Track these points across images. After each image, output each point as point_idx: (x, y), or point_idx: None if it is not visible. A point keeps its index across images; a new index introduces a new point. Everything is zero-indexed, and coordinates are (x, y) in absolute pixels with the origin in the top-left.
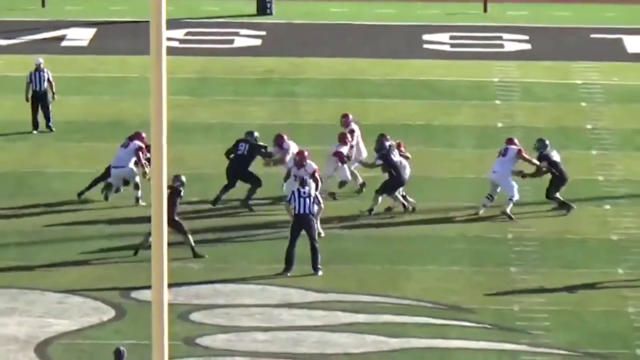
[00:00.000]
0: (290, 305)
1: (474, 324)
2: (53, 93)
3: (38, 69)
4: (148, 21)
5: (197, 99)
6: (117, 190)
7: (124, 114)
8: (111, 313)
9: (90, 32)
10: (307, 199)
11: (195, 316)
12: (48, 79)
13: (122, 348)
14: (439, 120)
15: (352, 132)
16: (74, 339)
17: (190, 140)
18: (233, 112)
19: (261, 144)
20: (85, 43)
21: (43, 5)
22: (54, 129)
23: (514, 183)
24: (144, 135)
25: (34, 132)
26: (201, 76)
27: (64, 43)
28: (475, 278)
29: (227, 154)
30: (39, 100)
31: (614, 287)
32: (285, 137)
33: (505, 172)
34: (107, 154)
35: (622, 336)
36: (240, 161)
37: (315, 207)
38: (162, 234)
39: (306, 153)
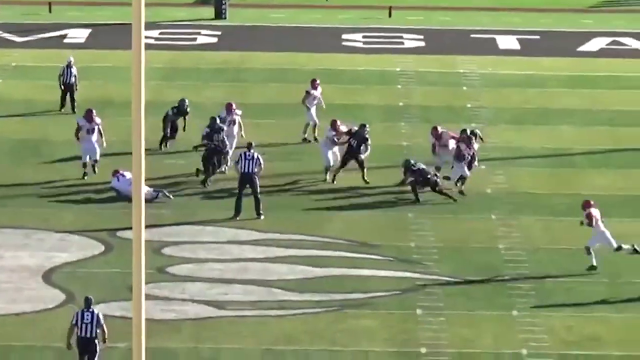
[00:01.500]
0: (239, 242)
1: (380, 257)
2: (76, 84)
3: (69, 65)
4: (131, 23)
5: (168, 83)
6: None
7: (113, 95)
8: (101, 248)
9: (86, 32)
10: (251, 161)
11: (166, 250)
12: (75, 74)
13: (90, 296)
14: (354, 100)
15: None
16: (72, 268)
17: (162, 114)
18: (195, 93)
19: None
20: (82, 40)
21: (50, 12)
22: (76, 111)
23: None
24: None
25: (61, 110)
26: (171, 66)
27: (65, 40)
28: (380, 221)
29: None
30: (68, 88)
31: (488, 229)
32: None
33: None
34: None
35: (494, 266)
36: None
37: (256, 168)
38: (140, 187)
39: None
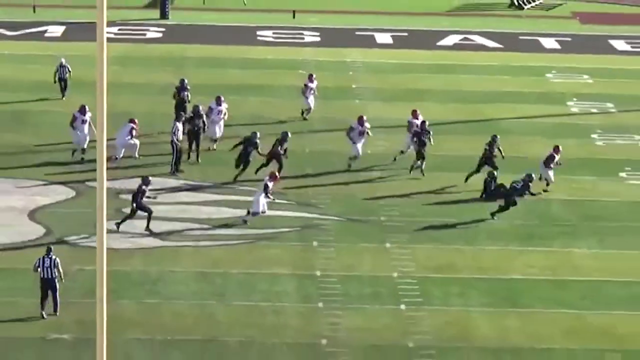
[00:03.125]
0: (180, 190)
1: (285, 201)
2: (69, 79)
3: (62, 65)
4: (95, 22)
5: (124, 69)
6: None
7: (82, 78)
8: (73, 194)
9: (62, 28)
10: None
11: (122, 196)
12: (69, 70)
13: (51, 246)
14: (268, 82)
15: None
16: (51, 208)
17: (120, 94)
18: (144, 76)
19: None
20: (59, 34)
21: (34, 12)
22: (64, 98)
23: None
24: None
25: (62, 98)
26: (126, 55)
27: (46, 34)
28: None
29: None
30: (63, 81)
31: (370, 181)
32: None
33: None
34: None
35: (374, 210)
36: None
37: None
38: (102, 147)
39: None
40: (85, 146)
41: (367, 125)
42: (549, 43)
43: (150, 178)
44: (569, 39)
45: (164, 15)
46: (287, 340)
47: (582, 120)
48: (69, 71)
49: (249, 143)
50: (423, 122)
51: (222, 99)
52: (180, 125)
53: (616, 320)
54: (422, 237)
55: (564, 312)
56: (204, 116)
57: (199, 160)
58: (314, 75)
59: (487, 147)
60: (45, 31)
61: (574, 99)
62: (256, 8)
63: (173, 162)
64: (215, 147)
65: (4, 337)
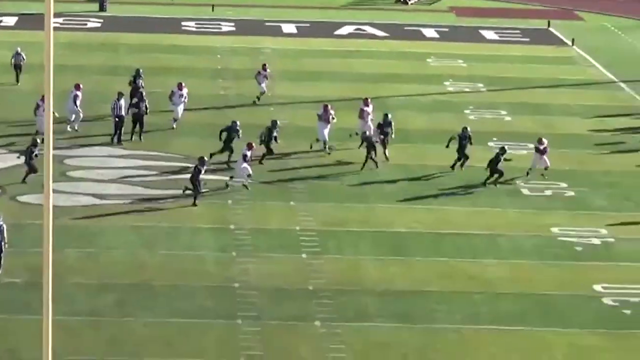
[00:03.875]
0: (116, 157)
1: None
2: (23, 65)
3: (18, 53)
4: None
5: (69, 52)
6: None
7: (31, 60)
8: (23, 160)
9: (15, 19)
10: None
11: (66, 161)
12: (23, 58)
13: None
14: (189, 65)
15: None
16: (5, 172)
17: (66, 74)
18: (86, 60)
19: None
20: (12, 24)
21: None
22: (19, 84)
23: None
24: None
25: (17, 84)
26: (70, 41)
27: (1, 24)
28: (204, 144)
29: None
30: (18, 68)
31: (282, 155)
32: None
33: None
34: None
35: (280, 174)
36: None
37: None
38: (50, 121)
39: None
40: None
41: (331, 112)
42: (429, 33)
43: (206, 158)
44: (446, 29)
45: (102, 8)
46: (205, 283)
47: (457, 98)
48: (24, 59)
49: (231, 130)
50: (386, 115)
51: (183, 84)
52: (123, 103)
53: (483, 267)
54: (321, 197)
55: (440, 260)
56: (146, 101)
57: (142, 140)
58: (267, 64)
59: (459, 136)
60: (1, 21)
61: (450, 80)
62: (181, 2)
63: (114, 135)
64: (175, 125)
65: None
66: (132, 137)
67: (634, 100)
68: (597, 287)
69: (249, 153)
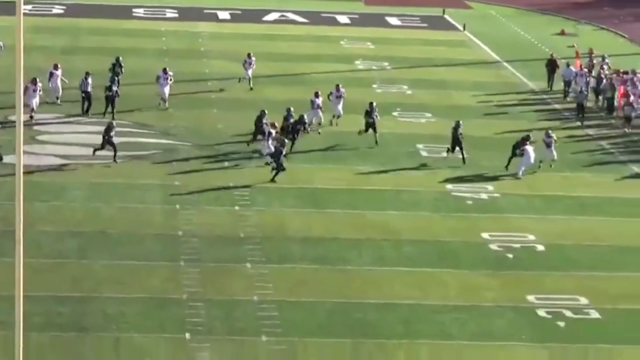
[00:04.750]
0: (79, 124)
1: (153, 132)
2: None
3: None
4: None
5: (35, 35)
6: None
7: (6, 44)
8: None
9: None
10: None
11: (35, 127)
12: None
13: None
14: (139, 46)
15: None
16: None
17: (32, 55)
18: (51, 42)
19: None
20: None
21: None
22: None
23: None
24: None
25: None
26: (36, 25)
27: None
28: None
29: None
30: None
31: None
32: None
33: None
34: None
35: (217, 139)
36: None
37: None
38: (20, 93)
39: None
40: (35, 107)
41: (319, 100)
42: (343, 19)
43: (286, 140)
44: (357, 16)
45: None
46: (153, 232)
47: (366, 75)
48: (1, 46)
49: (259, 119)
50: (371, 103)
51: (167, 69)
52: (90, 80)
53: (390, 218)
54: (252, 161)
55: (353, 212)
56: (119, 83)
57: (114, 119)
58: (252, 54)
59: (453, 131)
60: None
61: (360, 59)
62: None
63: (83, 107)
64: (167, 105)
65: None
66: (104, 115)
67: (515, 77)
68: (485, 235)
69: (273, 131)
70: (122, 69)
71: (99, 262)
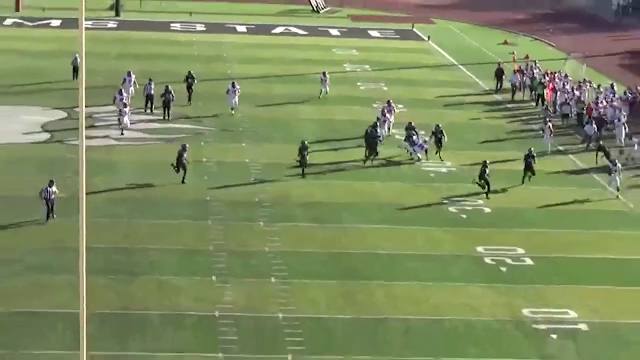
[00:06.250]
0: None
1: (185, 118)
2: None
3: (75, 58)
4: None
5: (95, 44)
6: None
7: (73, 49)
8: (66, 114)
9: (59, 21)
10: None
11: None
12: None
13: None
14: (176, 52)
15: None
16: (54, 123)
17: (93, 60)
18: (106, 49)
19: None
20: (58, 24)
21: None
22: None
23: None
24: None
25: None
26: (96, 37)
27: (50, 25)
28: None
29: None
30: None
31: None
32: (132, 74)
33: None
34: None
35: (235, 125)
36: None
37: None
38: (82, 87)
39: None
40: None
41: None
42: (334, 32)
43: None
44: (345, 30)
45: (117, 14)
46: (187, 198)
47: (352, 75)
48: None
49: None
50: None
51: (236, 82)
52: (152, 85)
53: (375, 186)
54: (266, 141)
55: (347, 183)
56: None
57: (170, 118)
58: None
59: (434, 132)
60: (49, 23)
61: (347, 63)
62: (170, 11)
63: (145, 106)
64: (233, 112)
65: None
66: (151, 110)
67: (468, 78)
68: (446, 201)
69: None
70: (195, 80)
71: (146, 222)
